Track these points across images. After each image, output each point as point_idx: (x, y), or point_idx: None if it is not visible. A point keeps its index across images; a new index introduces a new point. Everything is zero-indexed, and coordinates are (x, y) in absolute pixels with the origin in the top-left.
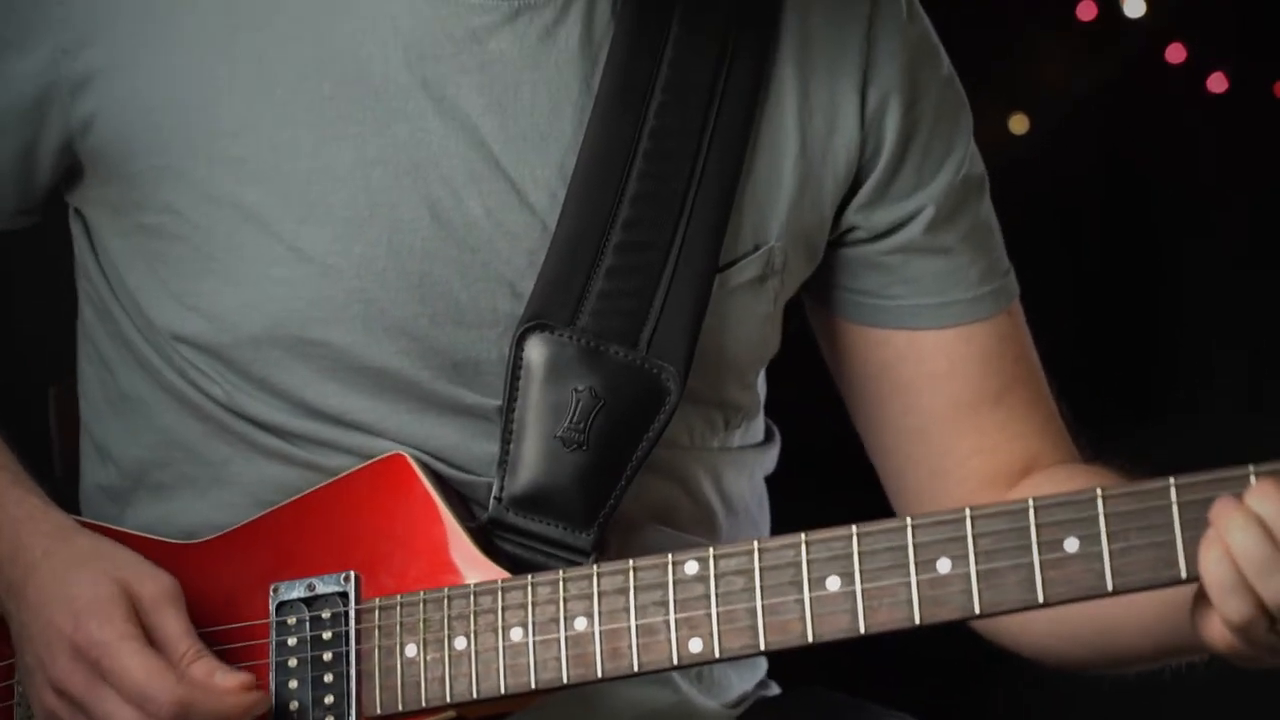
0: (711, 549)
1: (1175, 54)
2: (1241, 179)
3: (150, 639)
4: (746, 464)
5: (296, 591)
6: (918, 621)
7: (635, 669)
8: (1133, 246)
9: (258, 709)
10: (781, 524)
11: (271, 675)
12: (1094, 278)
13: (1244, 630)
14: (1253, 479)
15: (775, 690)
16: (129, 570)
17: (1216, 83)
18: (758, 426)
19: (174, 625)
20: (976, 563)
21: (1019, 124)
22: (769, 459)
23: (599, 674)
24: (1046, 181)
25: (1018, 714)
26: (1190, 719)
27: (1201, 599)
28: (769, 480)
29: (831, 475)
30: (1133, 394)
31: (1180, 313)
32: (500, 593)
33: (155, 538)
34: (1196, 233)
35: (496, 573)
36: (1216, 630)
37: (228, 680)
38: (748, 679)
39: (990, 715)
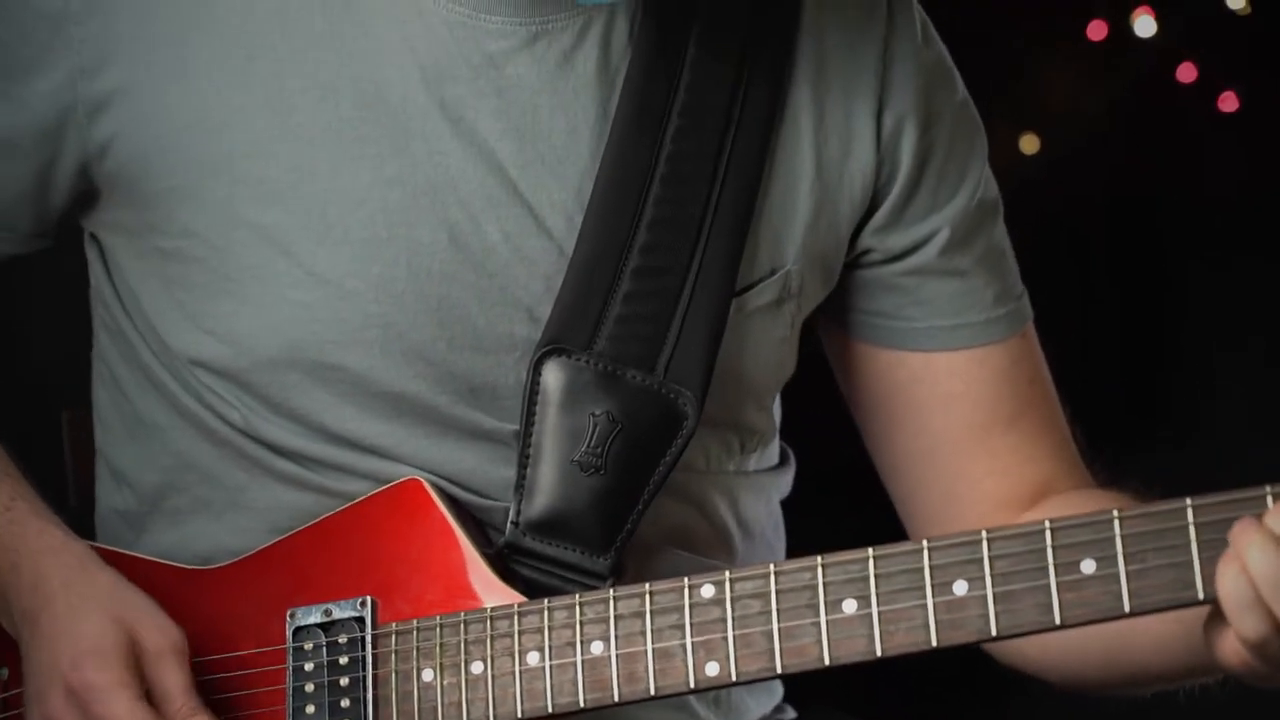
0: (728, 572)
1: (1186, 73)
2: (1253, 198)
3: (149, 691)
4: (762, 487)
5: (313, 617)
6: (935, 644)
7: (652, 692)
8: (1143, 266)
9: None
10: (797, 547)
11: (289, 701)
12: (1104, 297)
13: (1259, 648)
14: (1270, 499)
15: (792, 715)
16: (140, 618)
17: (1227, 102)
18: (773, 450)
19: (174, 680)
20: (993, 585)
21: (1030, 144)
22: (785, 482)
23: (616, 698)
24: (1057, 202)
25: None
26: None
27: (1216, 617)
28: (784, 503)
29: (846, 498)
30: (1143, 414)
31: (1191, 333)
32: (516, 617)
33: (171, 564)
34: (1207, 253)
35: (513, 597)
36: (1231, 649)
37: None
38: (764, 703)
39: None
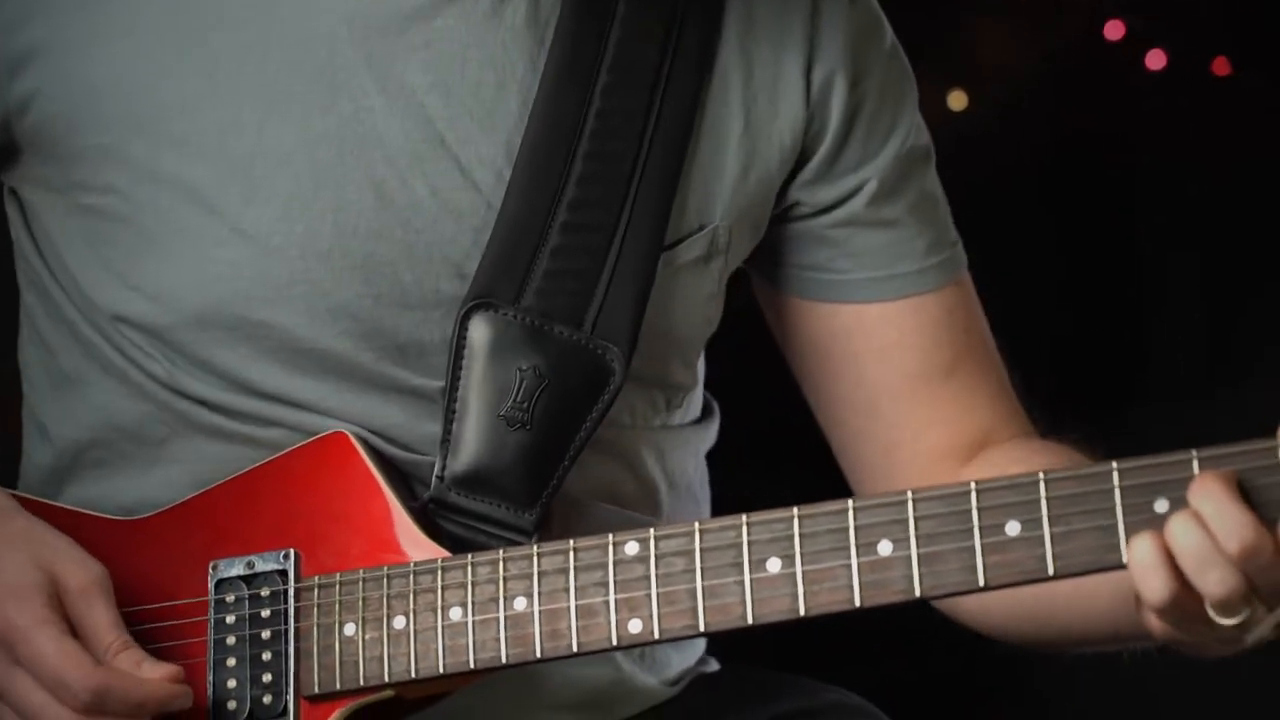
0: (652, 530)
1: (1114, 31)
2: (1180, 154)
3: (75, 628)
4: (688, 440)
5: (235, 569)
6: (858, 604)
7: (575, 649)
8: (1072, 223)
9: (179, 702)
10: (723, 501)
11: (209, 653)
12: (1034, 254)
13: (1169, 614)
14: (1195, 464)
15: (714, 666)
16: (58, 557)
17: (1155, 60)
18: (697, 402)
19: (101, 616)
20: (918, 546)
21: (958, 100)
22: (710, 434)
23: (538, 654)
24: (985, 158)
25: (960, 688)
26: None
27: None
28: (713, 461)
29: (773, 450)
30: (1078, 370)
31: (1125, 287)
32: (440, 572)
33: (93, 513)
34: (1136, 210)
35: (437, 552)
36: (1151, 614)
37: (154, 670)
38: (688, 656)
39: (932, 690)
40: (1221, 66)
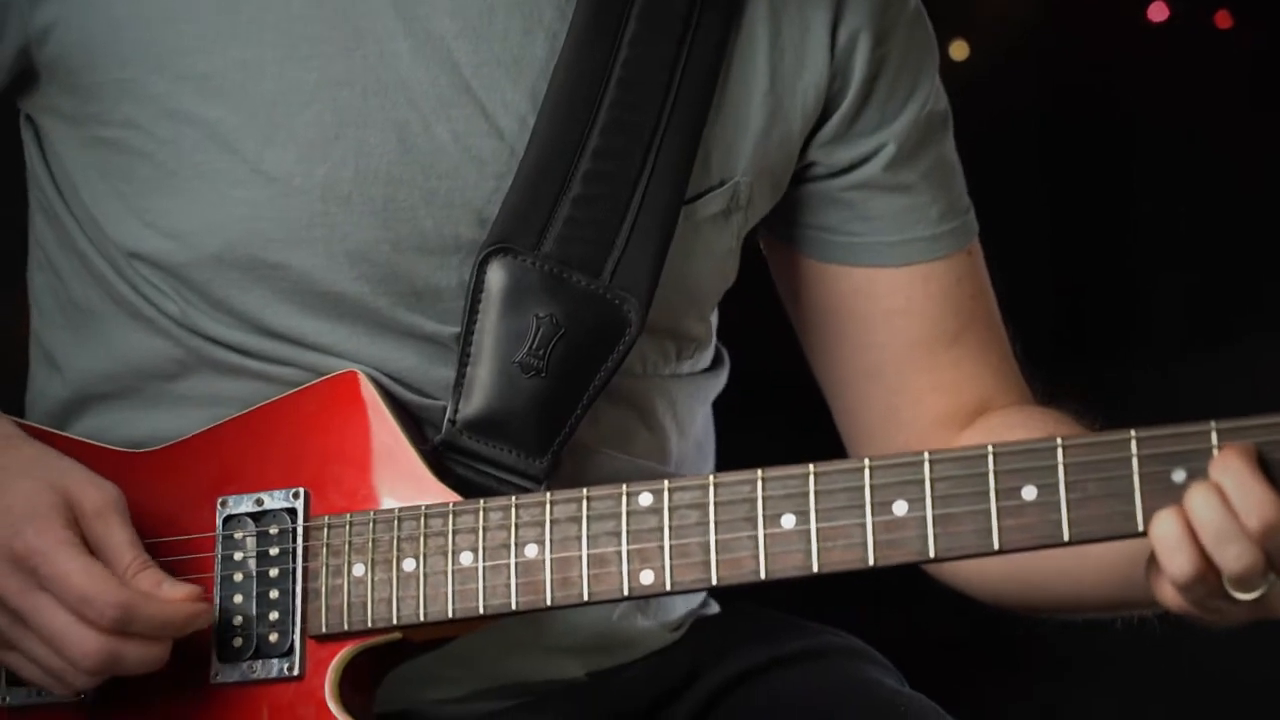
0: (666, 481)
1: None
2: (1182, 107)
3: (93, 549)
4: (699, 389)
5: (244, 506)
6: (871, 563)
7: (585, 598)
8: (1074, 175)
9: (200, 621)
10: (730, 453)
11: (216, 589)
12: (1035, 206)
13: (1190, 590)
14: (1214, 435)
15: (714, 609)
16: (71, 479)
17: (1157, 11)
18: (708, 352)
19: (119, 535)
20: (933, 507)
21: (959, 50)
22: (719, 383)
23: (548, 602)
24: (987, 108)
25: (955, 637)
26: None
27: (1154, 555)
28: (718, 404)
29: (779, 400)
30: (1076, 326)
31: (1124, 240)
32: (451, 515)
33: (101, 445)
34: (1138, 161)
35: (448, 495)
36: (1167, 588)
37: (175, 590)
38: (690, 599)
39: (926, 635)
40: (1224, 19)
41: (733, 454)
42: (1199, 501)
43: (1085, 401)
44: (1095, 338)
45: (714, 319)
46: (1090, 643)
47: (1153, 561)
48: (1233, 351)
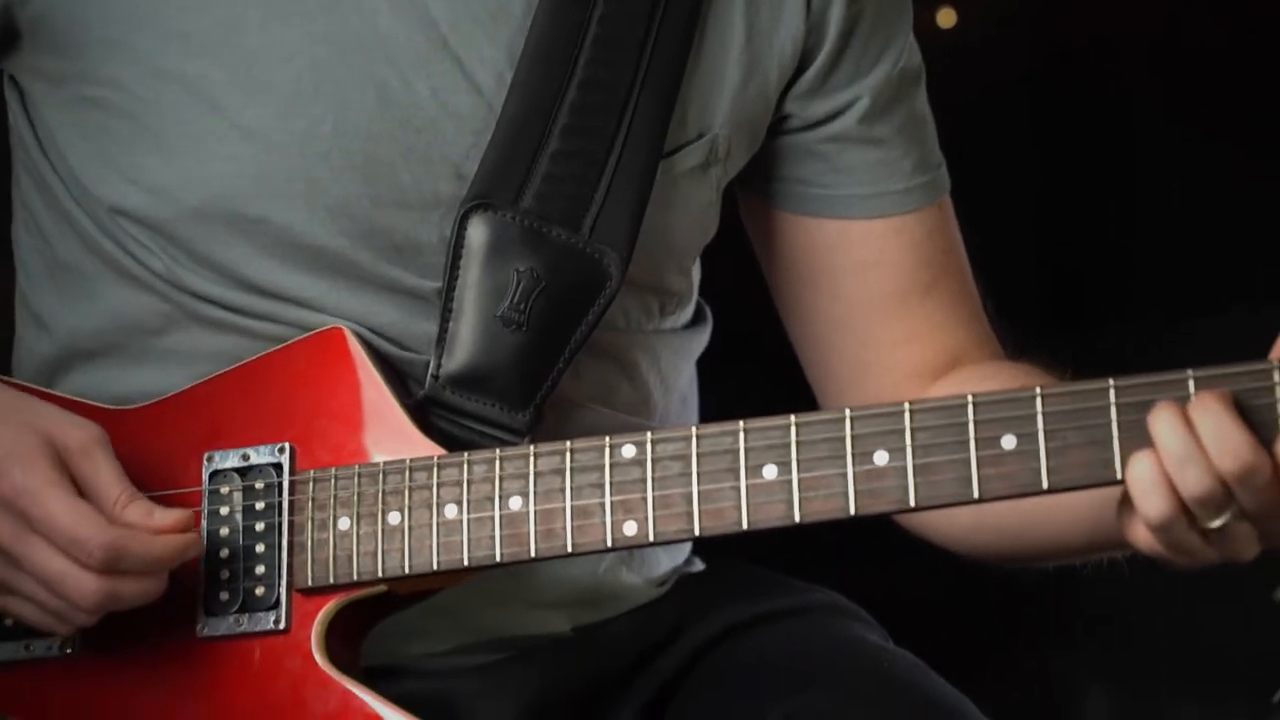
0: (649, 433)
1: None
2: (1171, 72)
3: (80, 488)
4: (682, 345)
5: (230, 461)
6: (853, 512)
7: (569, 550)
8: (1062, 142)
9: (190, 551)
10: (716, 409)
11: (202, 544)
12: (1022, 173)
13: (1164, 530)
14: (1191, 384)
15: (699, 566)
16: (53, 420)
17: None
18: (690, 308)
19: (105, 472)
20: (914, 456)
21: (946, 18)
22: (702, 339)
23: (532, 553)
24: (974, 75)
25: (940, 596)
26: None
27: (1126, 498)
28: (701, 362)
29: (762, 356)
30: (1060, 290)
31: (1114, 209)
32: (436, 469)
33: (87, 402)
34: (1127, 128)
35: (432, 449)
36: (1140, 531)
37: (164, 519)
38: (675, 556)
39: (912, 594)
40: None
41: (718, 410)
42: (1162, 426)
43: (1059, 360)
44: (1086, 308)
45: (696, 274)
46: (1075, 600)
47: (1125, 504)
48: (1222, 322)
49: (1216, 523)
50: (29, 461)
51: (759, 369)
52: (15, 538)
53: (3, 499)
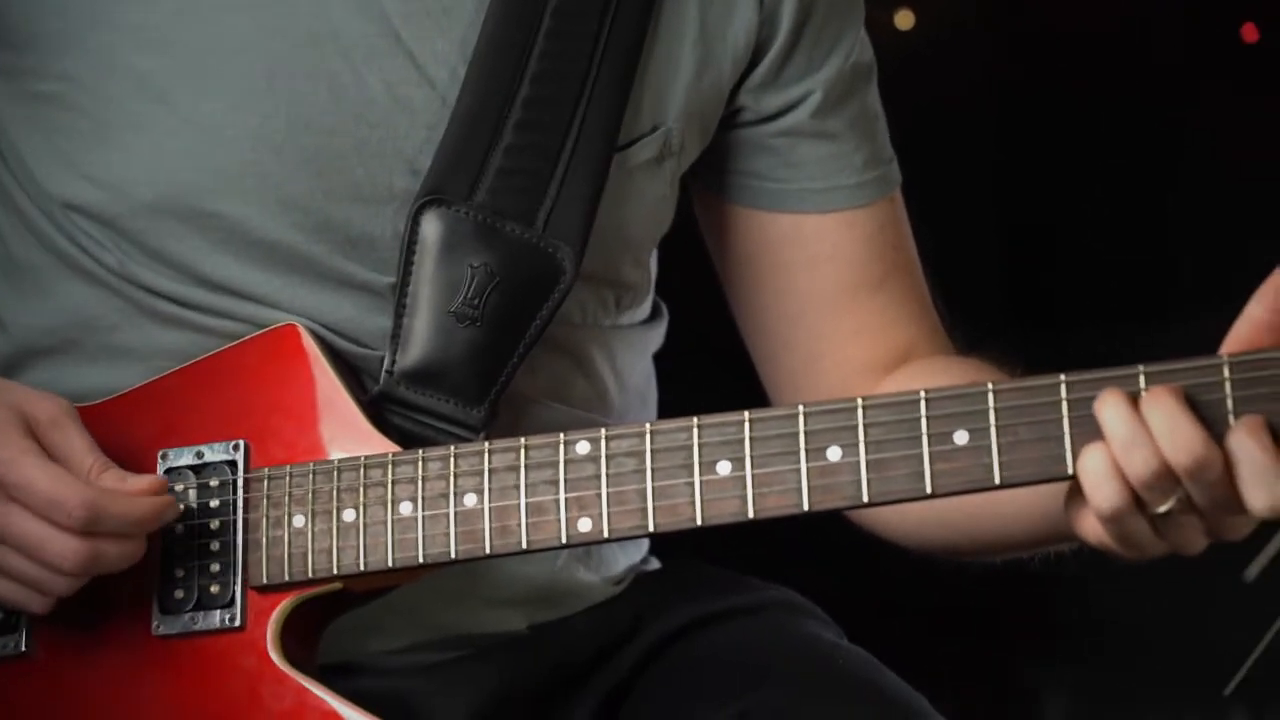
0: (603, 430)
1: None
2: (1127, 77)
3: (53, 458)
4: (638, 341)
5: (185, 458)
6: (806, 508)
7: (524, 546)
8: (1019, 143)
9: (168, 514)
10: (669, 404)
11: (158, 542)
12: (979, 174)
13: (1114, 521)
14: (1142, 379)
15: (656, 565)
16: (21, 394)
17: None
18: (647, 304)
19: (77, 440)
20: (866, 452)
21: (904, 20)
22: (657, 335)
23: (487, 550)
24: (932, 77)
25: (896, 594)
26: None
27: (1076, 491)
28: (657, 360)
29: (719, 353)
30: (1017, 291)
31: (1076, 210)
32: (390, 466)
33: None
34: (1083, 131)
35: (387, 446)
36: (1090, 524)
37: (139, 483)
38: (632, 554)
39: (868, 592)
40: None
41: (675, 407)
42: (1108, 412)
43: (1009, 357)
44: (1048, 309)
45: (653, 268)
46: (1032, 595)
47: (1073, 496)
48: (1189, 327)
49: (1164, 507)
50: (2, 434)
51: (716, 365)
52: None
53: None
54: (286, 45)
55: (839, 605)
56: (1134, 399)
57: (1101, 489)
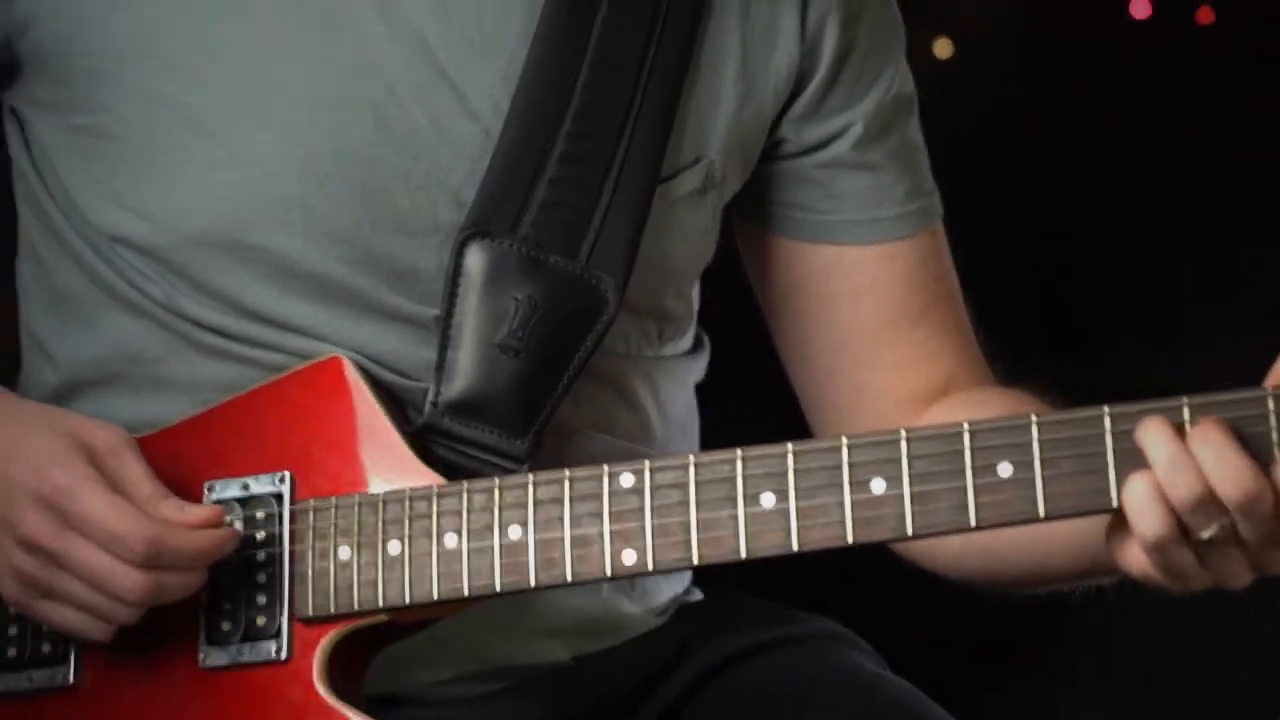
0: (647, 462)
1: None
2: (1162, 103)
3: (112, 485)
4: (680, 371)
5: (231, 490)
6: (850, 541)
7: (569, 579)
8: (1057, 172)
9: (228, 546)
10: (715, 437)
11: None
12: (1016, 202)
13: (1158, 550)
14: (1186, 410)
15: (698, 595)
16: (79, 423)
17: (1139, 8)
18: (689, 335)
19: (134, 469)
20: (911, 484)
21: (943, 49)
22: (700, 367)
23: (532, 583)
24: (972, 105)
25: (940, 626)
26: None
27: (1119, 522)
28: (700, 390)
29: (761, 385)
30: (1063, 324)
31: (1110, 237)
32: (435, 498)
33: None
34: (1121, 158)
35: (432, 478)
36: (1133, 555)
37: (198, 514)
38: (675, 585)
39: (912, 624)
40: (1205, 15)
41: (717, 438)
42: (1149, 437)
43: (1049, 387)
44: (1081, 334)
45: (695, 299)
46: (1074, 630)
47: (1116, 528)
48: (1213, 340)
49: (1208, 533)
50: (65, 461)
51: (758, 396)
52: (56, 535)
53: (43, 498)
54: (331, 77)
55: (881, 636)
56: (1179, 429)
57: (1145, 515)
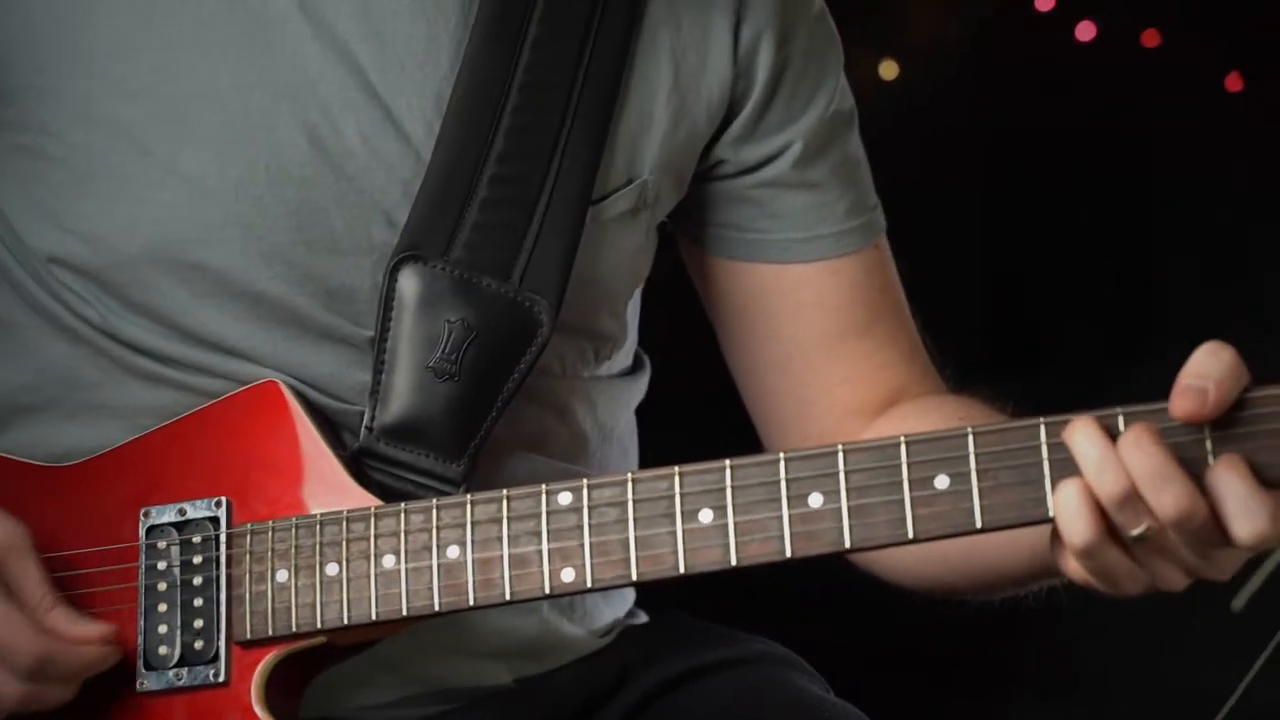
0: (585, 480)
1: (1044, 2)
2: (1106, 126)
3: (4, 588)
4: (619, 392)
5: (167, 516)
6: (789, 555)
7: (507, 598)
8: (1000, 192)
9: (110, 659)
10: (655, 456)
11: (141, 599)
12: (962, 222)
13: (1090, 556)
14: (1121, 420)
15: (643, 618)
16: None
17: (1084, 31)
18: (628, 355)
19: (29, 574)
20: (848, 499)
21: (889, 70)
22: (640, 387)
23: (471, 602)
24: (916, 127)
25: (881, 648)
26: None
27: (1057, 530)
28: (640, 410)
29: (702, 405)
30: (1012, 345)
31: (1056, 255)
32: (373, 519)
33: (25, 460)
34: (1062, 179)
35: (369, 500)
36: (1071, 560)
37: (89, 630)
38: (617, 607)
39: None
40: (1151, 38)
41: (658, 457)
42: (1078, 436)
43: (999, 399)
44: (1030, 355)
45: (633, 320)
46: (1016, 647)
47: (1056, 535)
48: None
49: (1138, 530)
50: None
51: (702, 415)
52: None
53: None
54: (266, 96)
55: (823, 657)
56: (1113, 438)
57: (1074, 523)
